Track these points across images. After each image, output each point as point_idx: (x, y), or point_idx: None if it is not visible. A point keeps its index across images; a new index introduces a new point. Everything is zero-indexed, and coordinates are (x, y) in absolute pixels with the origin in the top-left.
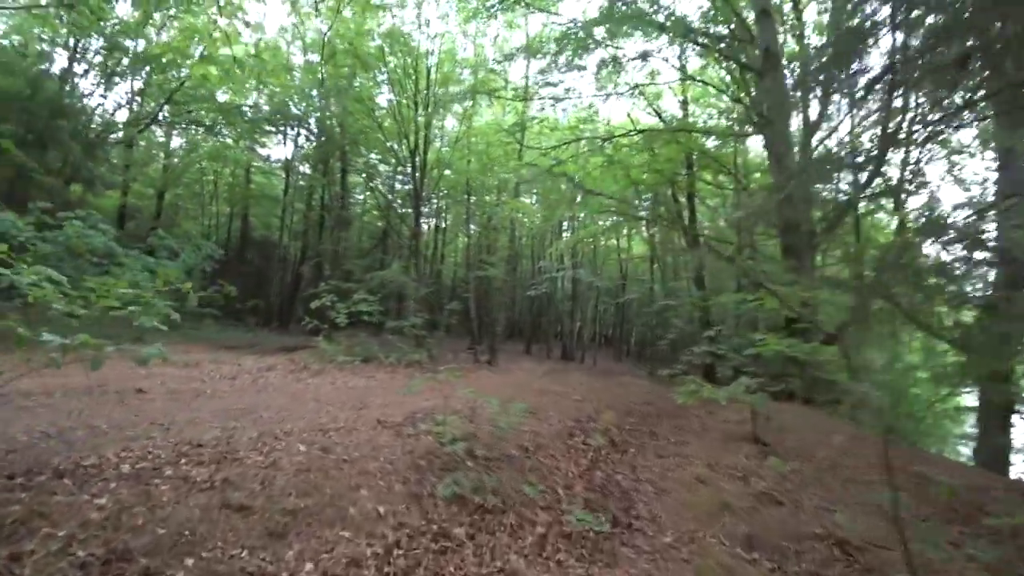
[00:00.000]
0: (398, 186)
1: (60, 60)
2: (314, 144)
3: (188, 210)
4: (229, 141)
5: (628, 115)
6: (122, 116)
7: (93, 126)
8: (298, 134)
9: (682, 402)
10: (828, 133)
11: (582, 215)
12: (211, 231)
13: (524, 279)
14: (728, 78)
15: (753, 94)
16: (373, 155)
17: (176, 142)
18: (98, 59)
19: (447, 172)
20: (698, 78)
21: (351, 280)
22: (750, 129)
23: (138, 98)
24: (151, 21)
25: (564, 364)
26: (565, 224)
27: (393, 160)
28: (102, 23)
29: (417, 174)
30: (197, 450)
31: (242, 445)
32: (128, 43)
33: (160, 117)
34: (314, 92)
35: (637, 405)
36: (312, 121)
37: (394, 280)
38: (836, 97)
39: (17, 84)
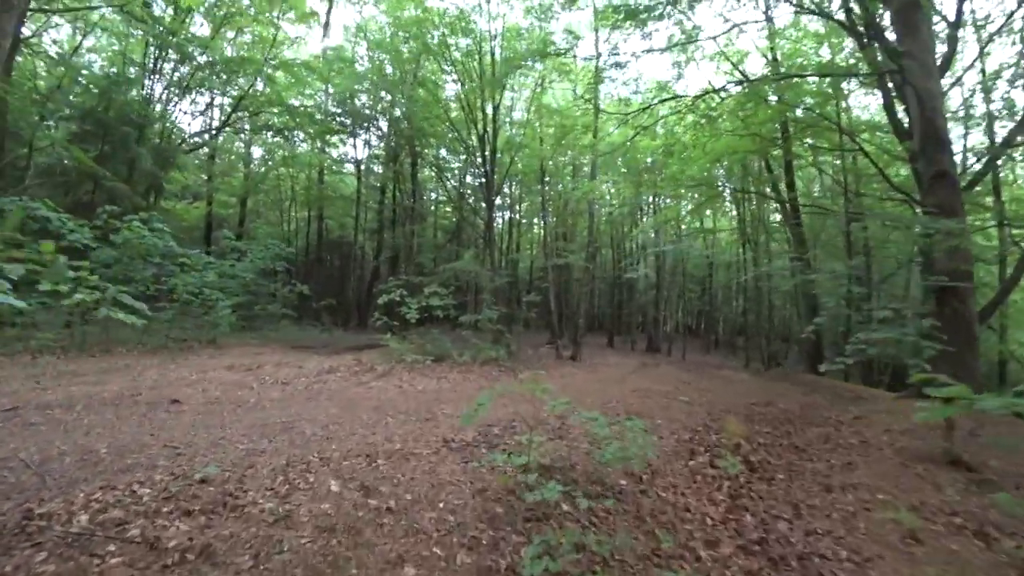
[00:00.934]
0: (469, 179)
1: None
2: (383, 140)
3: (268, 216)
4: (303, 146)
5: (709, 83)
6: (197, 126)
7: (167, 136)
8: (367, 130)
9: (921, 420)
10: (956, 79)
11: (663, 194)
12: (290, 235)
13: (604, 268)
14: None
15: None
16: (443, 151)
17: (256, 152)
18: (174, 73)
19: (518, 156)
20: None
21: (423, 274)
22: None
23: (213, 108)
24: (220, 34)
25: (651, 357)
26: (646, 207)
27: (463, 150)
28: (174, 38)
29: (487, 158)
30: (195, 490)
31: (258, 482)
32: (201, 57)
33: (232, 124)
34: (381, 91)
35: (758, 407)
36: (380, 118)
37: (468, 271)
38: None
39: (94, 99)
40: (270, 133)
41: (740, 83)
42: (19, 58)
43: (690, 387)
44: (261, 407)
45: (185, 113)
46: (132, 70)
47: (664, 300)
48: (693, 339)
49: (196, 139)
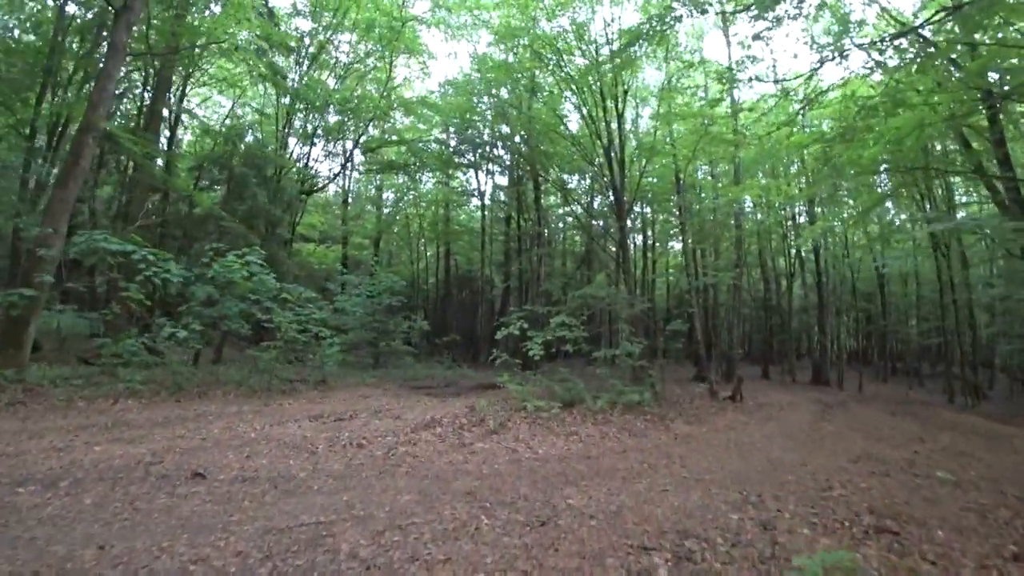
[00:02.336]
0: (597, 204)
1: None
2: (504, 169)
3: (400, 255)
4: (428, 184)
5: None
6: (325, 170)
7: (294, 179)
8: (487, 158)
9: None
10: None
11: (840, 189)
12: (419, 272)
13: (752, 289)
14: None
15: None
16: (567, 176)
17: (388, 195)
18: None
19: (649, 167)
20: None
21: (551, 303)
22: None
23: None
24: (347, 87)
25: (822, 392)
26: (802, 216)
27: (588, 169)
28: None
29: (615, 172)
30: None
31: None
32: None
33: (356, 165)
34: (498, 115)
35: None
36: (499, 145)
37: (600, 297)
38: None
39: (221, 147)
40: (395, 172)
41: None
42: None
43: (928, 447)
44: (305, 488)
45: (316, 161)
46: (263, 125)
47: (830, 322)
48: (862, 366)
49: (320, 180)
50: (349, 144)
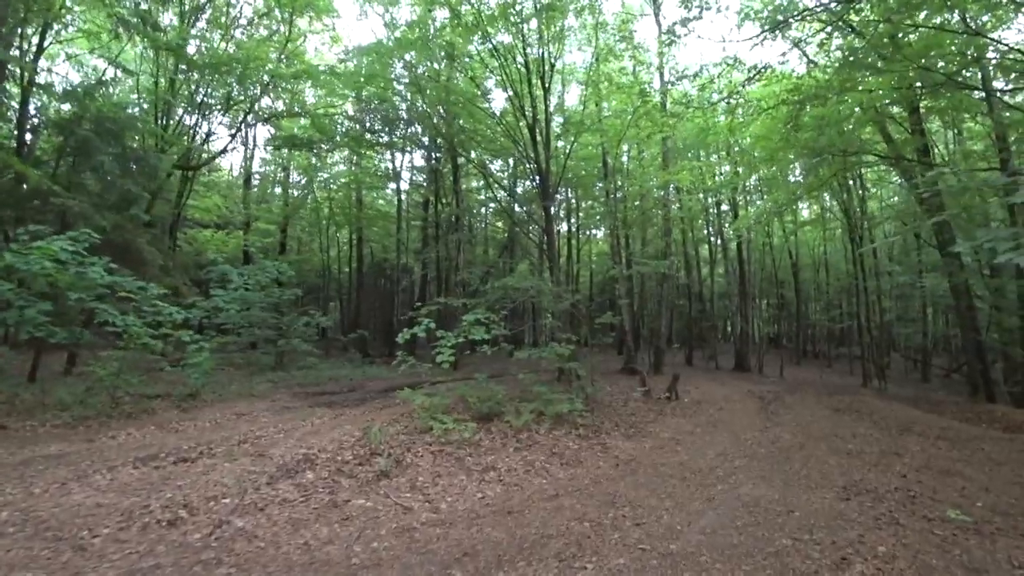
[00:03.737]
0: (520, 191)
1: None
2: (422, 148)
3: (311, 243)
4: (340, 166)
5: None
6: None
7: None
8: (403, 137)
9: None
10: None
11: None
12: (330, 261)
13: (676, 276)
14: None
15: None
16: (489, 158)
17: (295, 176)
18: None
19: (576, 145)
20: None
21: (473, 295)
22: None
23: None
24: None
25: (747, 379)
26: (725, 206)
27: (512, 150)
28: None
29: (540, 152)
30: None
31: None
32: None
33: (256, 142)
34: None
35: None
36: (416, 123)
37: (524, 288)
38: None
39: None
40: (300, 150)
41: None
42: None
43: (907, 463)
44: None
45: (210, 135)
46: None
47: (751, 308)
48: (776, 351)
49: (222, 157)
50: (249, 117)
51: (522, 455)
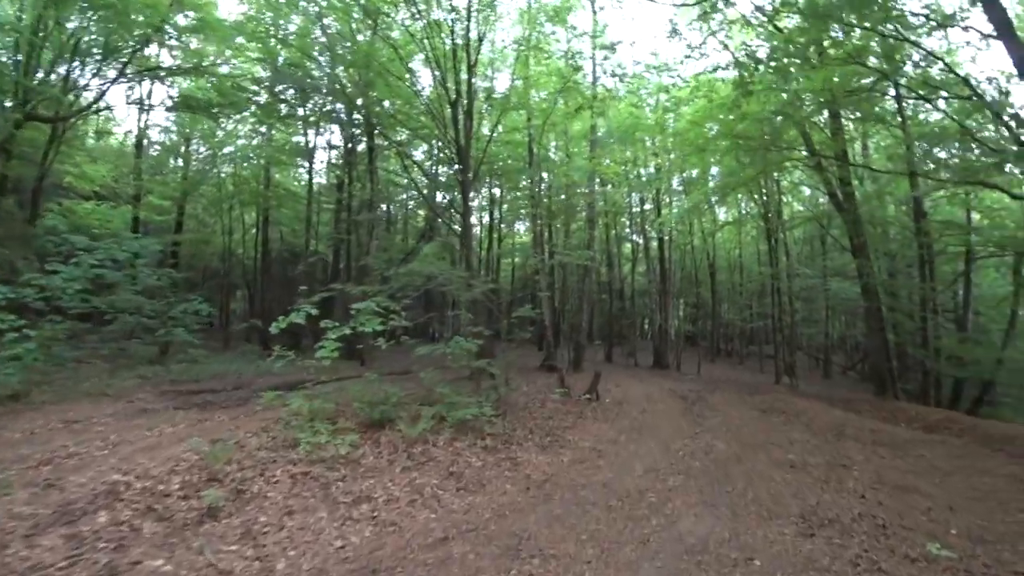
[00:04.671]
0: (443, 178)
1: None
2: (337, 123)
3: (215, 224)
4: (247, 138)
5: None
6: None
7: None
8: (316, 109)
9: None
10: None
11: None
12: (234, 243)
13: (598, 271)
14: None
15: None
16: (417, 147)
17: (199, 147)
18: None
19: (501, 126)
20: None
21: (382, 282)
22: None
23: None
24: None
25: (667, 376)
26: (649, 204)
27: (432, 130)
28: None
29: (460, 128)
30: None
31: None
32: None
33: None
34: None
35: None
36: (328, 92)
37: (433, 276)
38: None
39: None
40: (196, 113)
41: None
42: None
43: (857, 477)
44: None
45: (84, 88)
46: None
47: (671, 306)
48: (692, 348)
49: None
50: (129, 69)
51: (411, 477)
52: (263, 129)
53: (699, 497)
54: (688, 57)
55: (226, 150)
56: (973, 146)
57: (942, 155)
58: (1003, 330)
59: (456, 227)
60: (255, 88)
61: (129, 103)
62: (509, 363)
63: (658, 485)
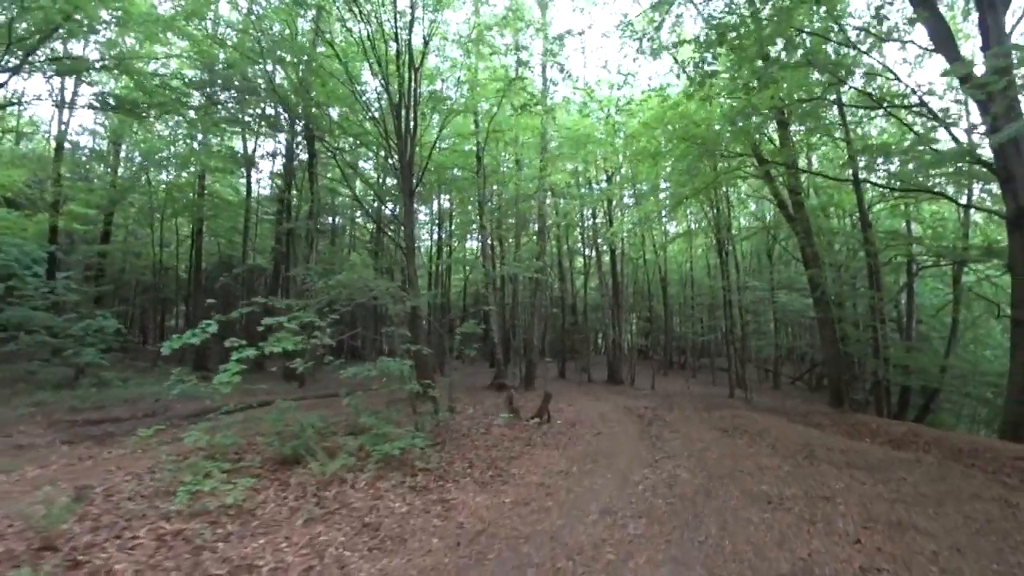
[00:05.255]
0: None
1: None
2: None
3: (147, 234)
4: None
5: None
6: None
7: None
8: (257, 115)
9: None
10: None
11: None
12: (167, 256)
13: (551, 286)
14: None
15: None
16: (367, 159)
17: (134, 156)
18: None
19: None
20: None
21: (306, 295)
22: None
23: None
24: None
25: (619, 392)
26: (600, 216)
27: (377, 138)
28: None
29: (404, 127)
30: None
31: None
32: None
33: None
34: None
35: None
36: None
37: (366, 289)
38: None
39: None
40: (116, 114)
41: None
42: None
43: (843, 512)
44: None
45: None
46: None
47: (624, 320)
48: (645, 362)
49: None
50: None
51: (314, 532)
52: (200, 136)
53: (667, 551)
54: (639, 52)
55: (158, 156)
56: (917, 153)
57: (887, 166)
58: (943, 338)
59: (400, 240)
60: (187, 90)
61: (41, 99)
62: (454, 383)
63: (617, 534)
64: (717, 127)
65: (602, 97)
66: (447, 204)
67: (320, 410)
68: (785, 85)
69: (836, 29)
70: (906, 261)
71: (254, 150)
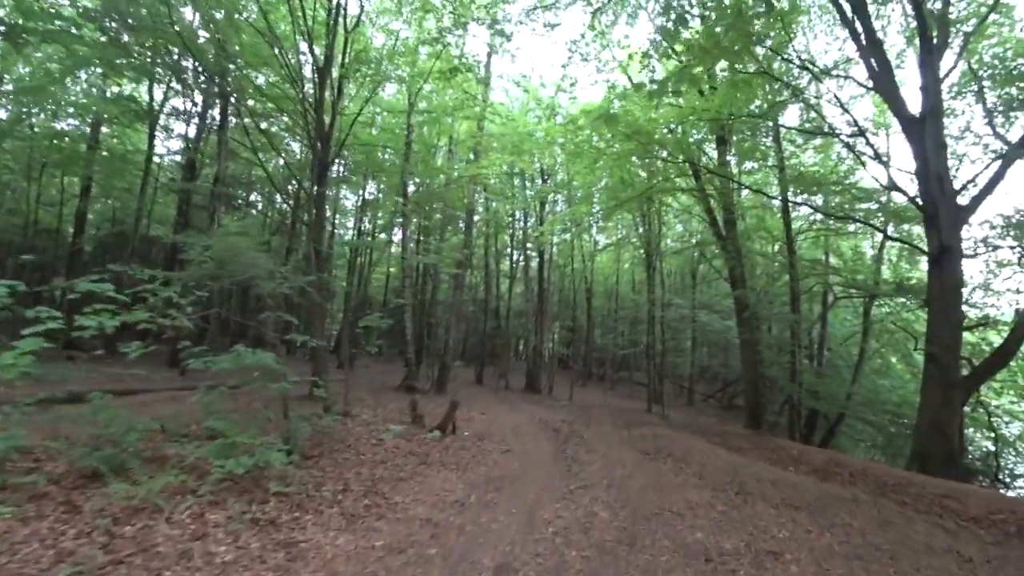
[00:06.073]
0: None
1: None
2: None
3: (12, 184)
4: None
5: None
6: None
7: None
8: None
9: None
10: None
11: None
12: (38, 214)
13: (475, 290)
14: None
15: None
16: (290, 138)
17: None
18: None
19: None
20: None
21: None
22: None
23: None
24: None
25: (535, 401)
26: (531, 220)
27: (296, 104)
28: None
29: (320, 92)
30: None
31: None
32: None
33: None
34: None
35: None
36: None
37: (245, 264)
38: None
39: None
40: None
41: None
42: None
43: (782, 564)
44: None
45: None
46: None
47: (547, 328)
48: (564, 371)
49: None
50: None
51: None
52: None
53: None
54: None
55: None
56: (846, 187)
57: (816, 197)
58: (849, 366)
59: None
60: (80, 21)
61: None
62: (351, 383)
63: None
64: (658, 135)
65: (546, 97)
66: (374, 192)
67: (181, 406)
68: (735, 95)
69: (779, 59)
70: (822, 291)
71: (162, 104)
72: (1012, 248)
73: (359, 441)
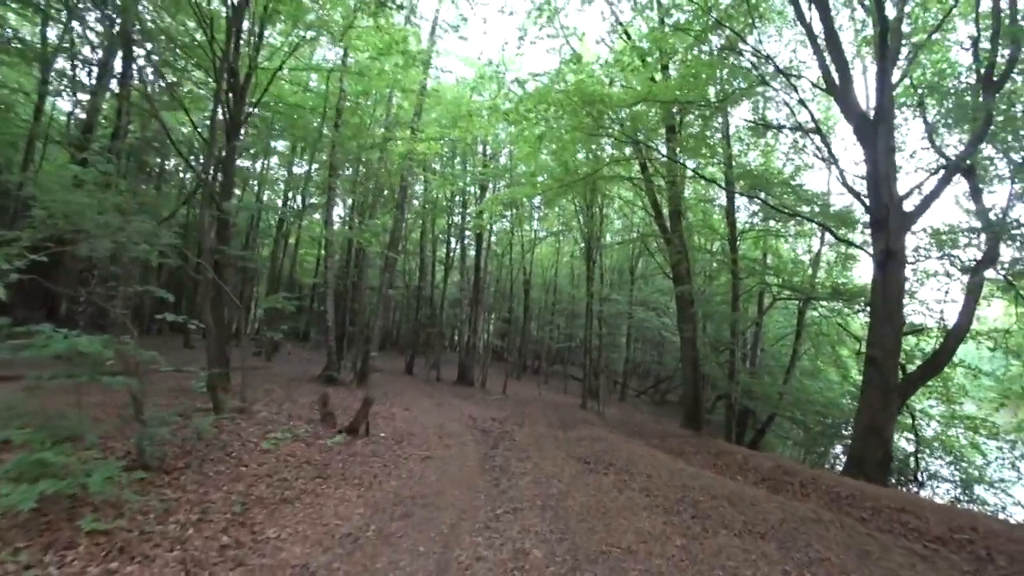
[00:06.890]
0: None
1: None
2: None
3: None
4: None
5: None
6: None
7: None
8: None
9: None
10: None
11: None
12: None
13: (409, 277)
14: None
15: None
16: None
17: None
18: None
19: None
20: None
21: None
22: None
23: None
24: None
25: (466, 395)
26: (471, 207)
27: (207, 51)
28: None
29: (232, 39)
30: None
31: None
32: None
33: None
34: None
35: None
36: None
37: (103, 226)
38: None
39: None
40: None
41: None
42: None
43: None
44: None
45: None
46: None
47: (483, 319)
48: (498, 363)
49: None
50: None
51: None
52: None
53: None
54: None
55: None
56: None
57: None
58: (781, 367)
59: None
60: None
61: None
62: (248, 373)
63: None
64: (611, 113)
65: (494, 71)
66: (307, 167)
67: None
68: (692, 78)
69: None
70: (759, 292)
71: (56, 48)
72: (939, 259)
73: (245, 447)
